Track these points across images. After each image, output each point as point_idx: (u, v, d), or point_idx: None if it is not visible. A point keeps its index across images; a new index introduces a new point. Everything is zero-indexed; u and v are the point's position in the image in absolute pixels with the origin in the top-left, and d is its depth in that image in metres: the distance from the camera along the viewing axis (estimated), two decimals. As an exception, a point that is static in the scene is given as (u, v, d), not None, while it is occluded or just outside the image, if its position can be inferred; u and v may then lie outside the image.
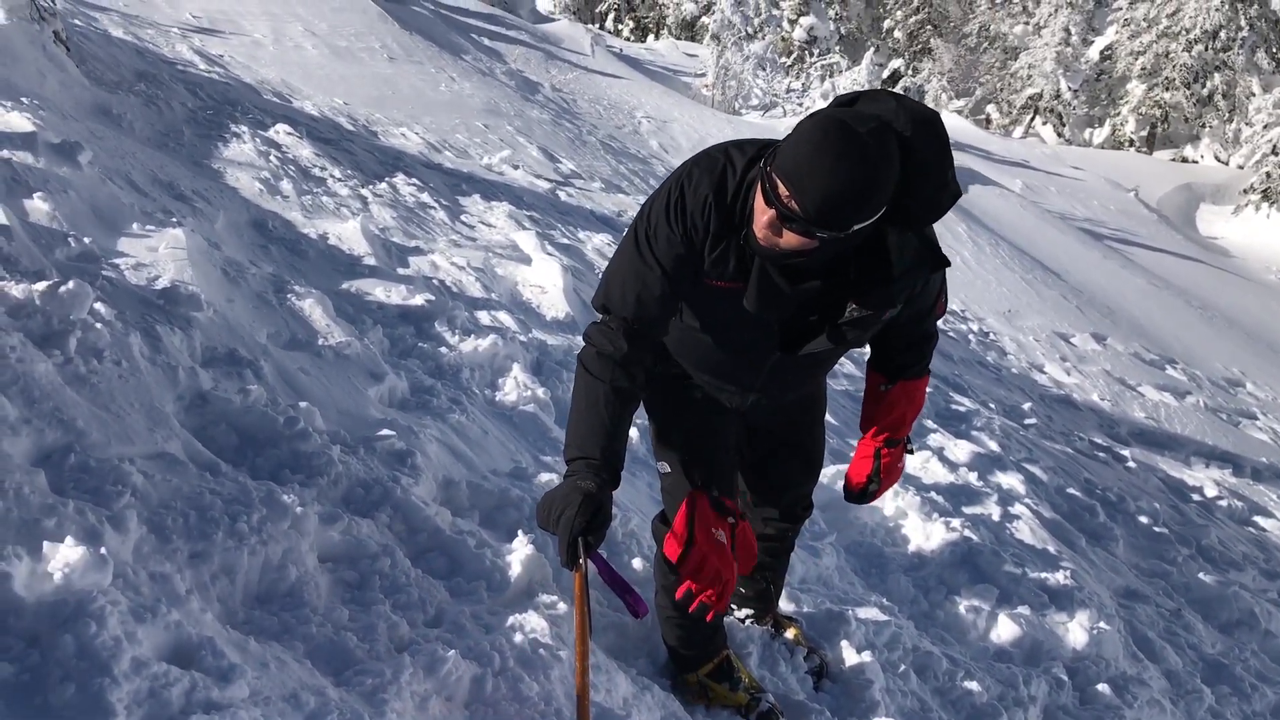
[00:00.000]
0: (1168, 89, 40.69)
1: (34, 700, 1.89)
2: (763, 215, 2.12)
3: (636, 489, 4.36)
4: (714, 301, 2.43)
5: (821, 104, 24.66)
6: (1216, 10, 39.22)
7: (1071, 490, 6.28)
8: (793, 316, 2.38)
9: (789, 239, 2.10)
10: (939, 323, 2.77)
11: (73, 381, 2.95)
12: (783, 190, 2.04)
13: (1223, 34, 39.64)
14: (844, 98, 2.17)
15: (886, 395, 2.78)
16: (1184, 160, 40.19)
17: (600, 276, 2.51)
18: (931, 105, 35.98)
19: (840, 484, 4.98)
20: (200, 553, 2.57)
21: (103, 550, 2.19)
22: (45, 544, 2.16)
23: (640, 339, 2.43)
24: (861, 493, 2.93)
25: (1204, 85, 40.24)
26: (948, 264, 2.36)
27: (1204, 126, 40.93)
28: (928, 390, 2.96)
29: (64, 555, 2.13)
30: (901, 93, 2.23)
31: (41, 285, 3.28)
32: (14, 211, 4.04)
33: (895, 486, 5.00)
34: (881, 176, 2.01)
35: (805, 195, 2.00)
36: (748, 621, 3.40)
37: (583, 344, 2.49)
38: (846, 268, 2.25)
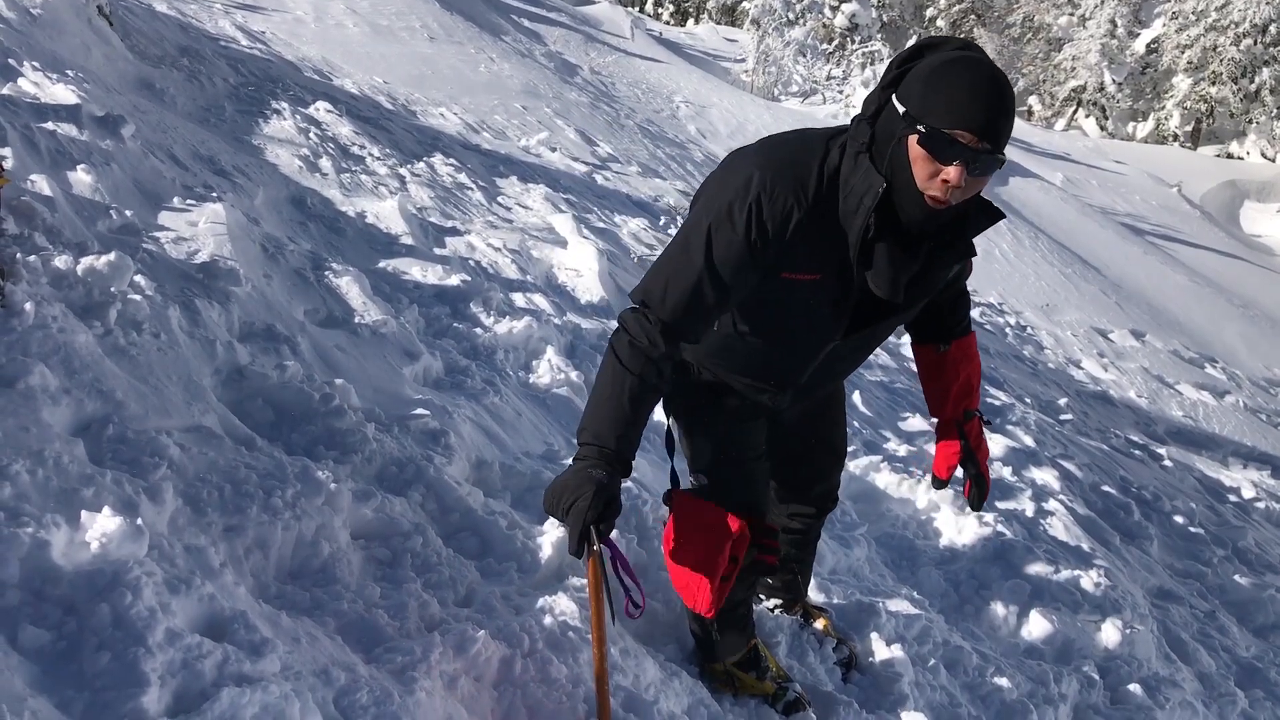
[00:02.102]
0: (1214, 83, 40.03)
1: (69, 667, 1.91)
2: (936, 178, 2.08)
3: (664, 471, 4.35)
4: (780, 296, 2.37)
5: (863, 91, 24.43)
6: (1267, 4, 38.52)
7: (1106, 488, 6.21)
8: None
9: (971, 186, 2.10)
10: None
11: (112, 353, 2.98)
12: (944, 124, 2.03)
13: (1273, 28, 38.91)
14: (925, 41, 2.18)
15: (946, 360, 2.71)
16: (1229, 156, 39.57)
17: (648, 270, 2.43)
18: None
19: (873, 475, 5.00)
20: (235, 526, 2.59)
21: (139, 521, 2.21)
22: (83, 513, 2.18)
23: (676, 339, 2.36)
24: (976, 495, 2.77)
25: (1252, 80, 39.53)
26: (1003, 215, 2.37)
27: (1251, 122, 40.25)
28: None
29: (101, 525, 2.15)
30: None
31: (83, 257, 3.31)
32: (58, 183, 4.08)
33: (928, 479, 4.98)
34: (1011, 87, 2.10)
35: (984, 124, 2.02)
36: (777, 611, 3.39)
37: (617, 327, 2.41)
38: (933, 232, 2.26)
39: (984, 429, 2.80)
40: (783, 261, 2.29)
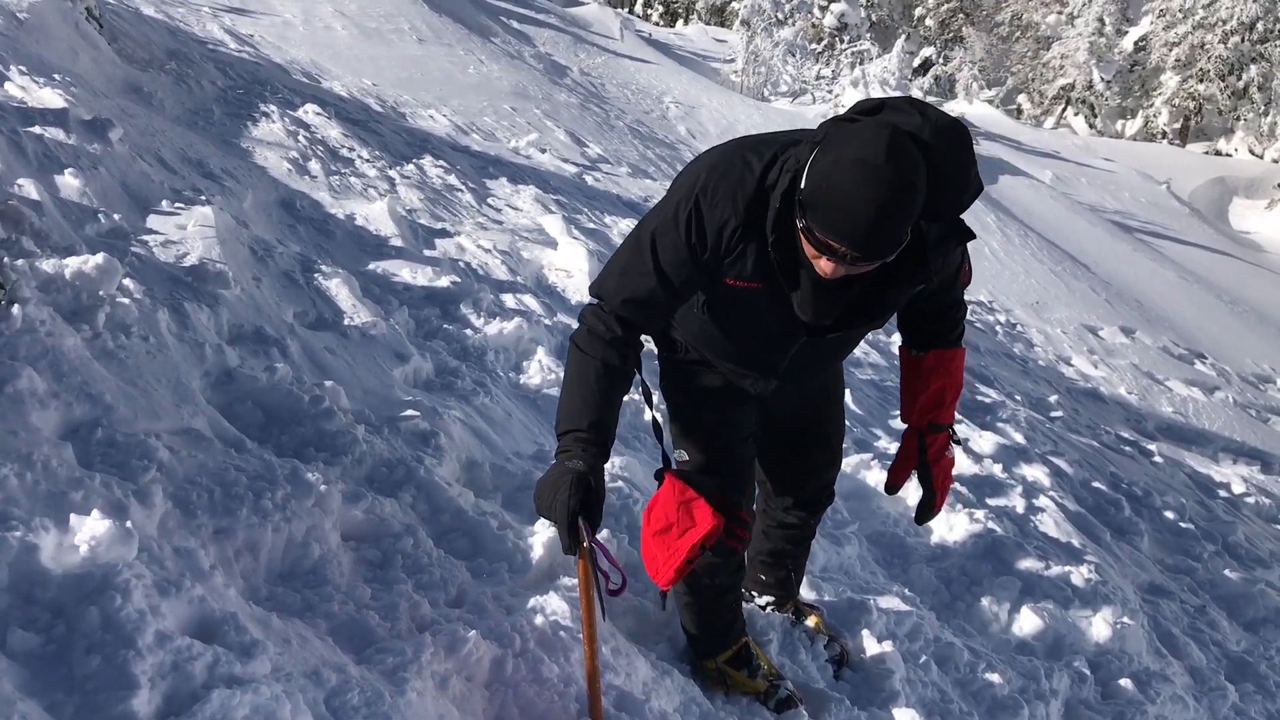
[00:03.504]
0: (1202, 81, 40.13)
1: (59, 670, 1.91)
2: (817, 259, 2.13)
3: (651, 468, 4.35)
4: (733, 299, 2.43)
5: (852, 92, 24.49)
6: (1254, 1, 38.64)
7: (1097, 484, 6.23)
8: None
9: (837, 268, 2.12)
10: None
11: (101, 356, 2.98)
12: (819, 235, 2.06)
13: (1260, 25, 39.03)
14: (868, 104, 2.16)
15: (921, 365, 2.73)
16: (1217, 153, 39.67)
17: (605, 262, 2.53)
18: (962, 95, 35.69)
19: (864, 473, 5.01)
20: (224, 529, 2.59)
21: (128, 524, 2.21)
22: (72, 516, 2.18)
23: (631, 328, 2.45)
24: (923, 509, 2.81)
25: (1239, 77, 39.65)
26: (972, 236, 2.38)
27: (1238, 119, 40.36)
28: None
29: (90, 528, 2.15)
30: (922, 99, 2.21)
31: (71, 260, 3.30)
32: (45, 187, 4.07)
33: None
34: (915, 198, 2.04)
35: (854, 242, 2.03)
36: (768, 609, 3.40)
37: (578, 324, 2.50)
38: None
39: (951, 445, 2.81)
40: (724, 268, 2.34)
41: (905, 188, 2.01)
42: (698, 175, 2.32)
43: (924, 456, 2.77)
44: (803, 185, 2.08)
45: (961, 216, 2.34)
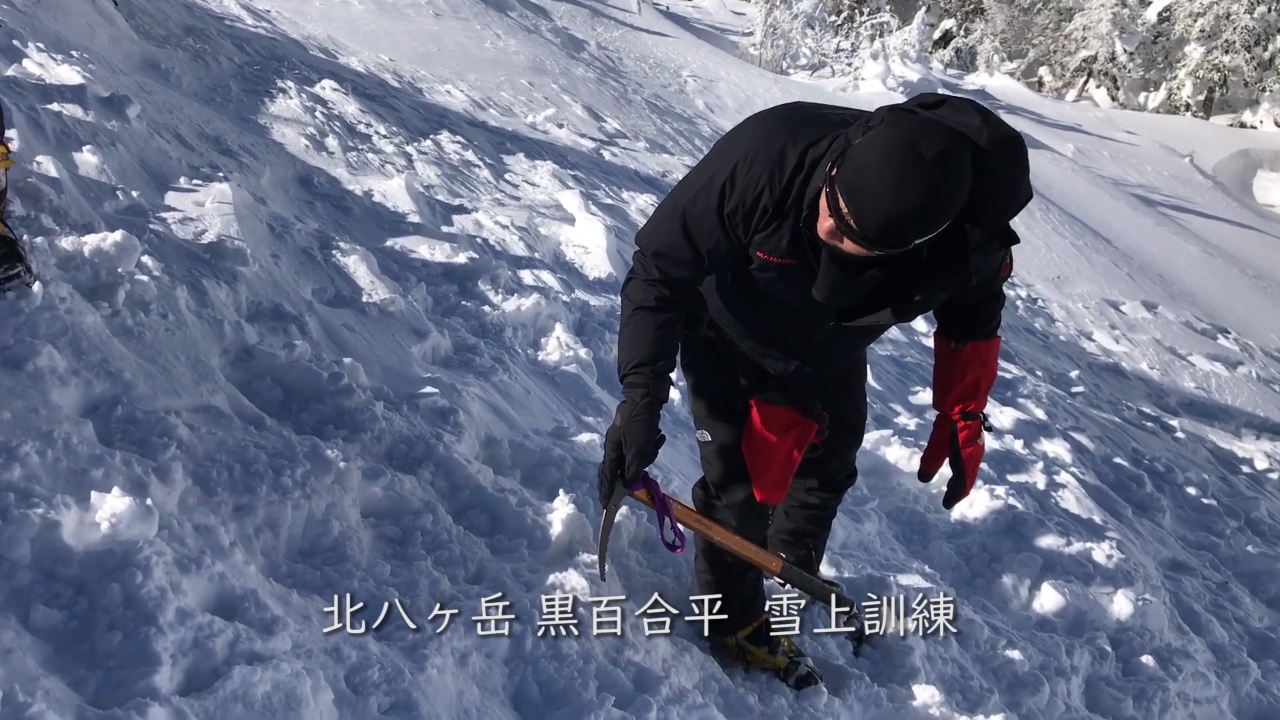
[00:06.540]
0: (1227, 52, 39.57)
1: (81, 647, 1.92)
2: (825, 219, 2.10)
3: (678, 450, 4.35)
4: (763, 274, 2.41)
5: (871, 65, 24.26)
6: (1281, -30, 38.09)
7: (1118, 460, 6.19)
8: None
9: (849, 246, 2.09)
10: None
11: (120, 333, 2.99)
12: (843, 206, 2.02)
13: (1287, -5, 38.51)
14: (930, 98, 2.12)
15: (957, 357, 2.68)
16: (1242, 125, 39.17)
17: (650, 214, 2.55)
18: (983, 67, 35.30)
19: (884, 450, 4.99)
20: (244, 506, 2.60)
21: (149, 501, 2.22)
22: (93, 494, 2.19)
23: (672, 277, 2.48)
24: (952, 494, 2.78)
25: (1265, 48, 39.09)
26: (1016, 241, 2.33)
27: (1264, 91, 39.83)
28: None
29: (111, 505, 2.16)
30: (989, 109, 2.15)
31: (90, 238, 3.31)
32: (64, 164, 4.07)
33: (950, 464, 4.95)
34: (945, 201, 1.99)
35: (864, 217, 1.99)
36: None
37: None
38: (919, 251, 2.20)
39: (983, 433, 2.77)
40: (755, 240, 2.32)
41: (939, 192, 1.96)
42: (739, 145, 2.30)
43: (956, 445, 2.72)
44: (842, 162, 2.04)
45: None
